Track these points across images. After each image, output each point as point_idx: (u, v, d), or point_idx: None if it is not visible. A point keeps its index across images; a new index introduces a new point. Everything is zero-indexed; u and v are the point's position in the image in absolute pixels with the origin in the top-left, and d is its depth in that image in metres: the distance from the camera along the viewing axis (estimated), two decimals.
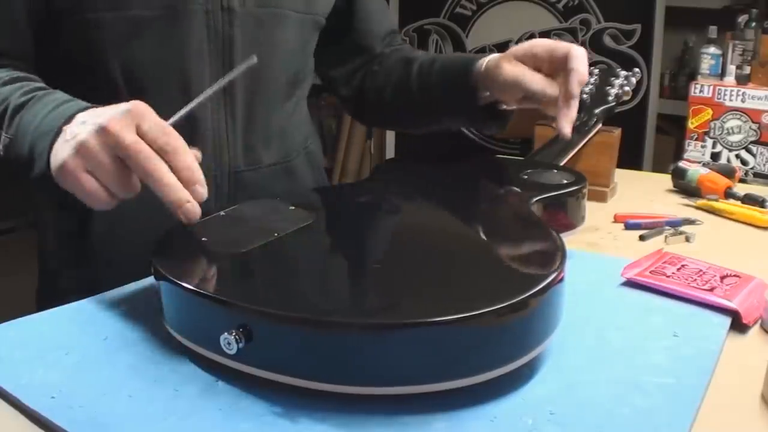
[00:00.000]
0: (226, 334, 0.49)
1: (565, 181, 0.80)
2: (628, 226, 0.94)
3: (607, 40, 2.46)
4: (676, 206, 1.06)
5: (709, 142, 1.71)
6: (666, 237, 0.89)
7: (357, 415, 0.48)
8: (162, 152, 0.59)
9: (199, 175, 0.60)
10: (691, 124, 1.73)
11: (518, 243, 0.66)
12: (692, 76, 2.26)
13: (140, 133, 0.60)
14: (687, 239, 0.89)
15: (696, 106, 1.72)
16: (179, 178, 0.60)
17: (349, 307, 0.54)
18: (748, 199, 1.04)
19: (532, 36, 2.52)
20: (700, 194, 1.08)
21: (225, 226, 0.66)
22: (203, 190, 0.61)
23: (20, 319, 0.62)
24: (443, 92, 0.92)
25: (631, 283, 0.72)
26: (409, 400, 0.49)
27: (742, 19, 2.00)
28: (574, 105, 0.79)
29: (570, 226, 0.79)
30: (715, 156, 1.72)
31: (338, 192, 0.89)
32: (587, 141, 1.02)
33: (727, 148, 1.70)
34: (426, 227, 0.72)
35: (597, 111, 0.97)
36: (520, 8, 2.54)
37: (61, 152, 0.62)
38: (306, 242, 0.64)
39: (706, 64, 2.01)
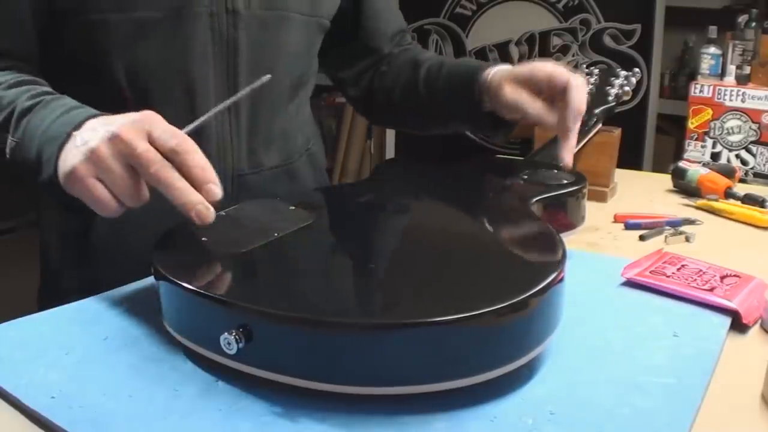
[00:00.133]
0: (226, 334, 0.49)
1: (565, 181, 0.80)
2: (628, 226, 0.94)
3: (607, 40, 2.45)
4: (676, 206, 1.06)
5: (709, 142, 1.71)
6: (666, 237, 0.89)
7: (357, 415, 0.48)
8: (173, 153, 0.59)
9: (211, 173, 0.60)
10: (691, 124, 1.73)
11: (518, 243, 0.66)
12: (692, 76, 2.26)
13: (151, 141, 0.60)
14: (687, 239, 0.89)
15: (696, 106, 1.72)
16: (192, 177, 0.59)
17: (350, 307, 0.54)
18: (748, 199, 1.04)
19: (532, 36, 2.53)
20: (700, 194, 1.08)
21: (225, 226, 0.65)
22: (217, 189, 0.60)
23: (20, 319, 0.62)
24: (449, 99, 0.92)
25: (631, 283, 0.72)
26: (409, 400, 0.49)
27: (742, 19, 2.00)
28: (573, 136, 0.81)
29: (570, 226, 0.79)
30: (715, 156, 1.72)
31: (338, 192, 0.89)
32: (587, 141, 1.02)
33: (727, 148, 1.70)
34: (426, 227, 0.72)
35: (597, 111, 0.97)
36: (520, 8, 2.54)
37: (71, 158, 0.62)
38: (306, 242, 0.64)
39: (706, 64, 2.01)
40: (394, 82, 1.00)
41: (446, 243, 0.66)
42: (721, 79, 1.89)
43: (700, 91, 1.71)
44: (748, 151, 1.69)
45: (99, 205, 0.61)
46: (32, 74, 0.77)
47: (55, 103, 0.69)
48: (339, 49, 0.99)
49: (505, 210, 0.74)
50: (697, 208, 1.04)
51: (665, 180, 1.17)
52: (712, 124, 1.70)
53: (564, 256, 0.57)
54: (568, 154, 0.81)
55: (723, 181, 1.09)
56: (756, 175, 1.69)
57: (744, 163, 1.69)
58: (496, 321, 0.49)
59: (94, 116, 0.65)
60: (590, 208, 0.83)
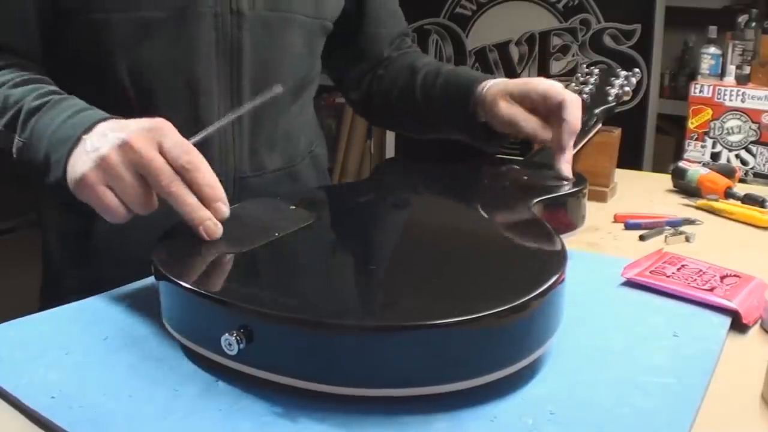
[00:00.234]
0: (227, 334, 0.49)
1: (565, 182, 0.80)
2: (628, 226, 0.94)
3: (607, 40, 2.45)
4: (676, 206, 1.06)
5: (709, 142, 1.71)
6: (666, 237, 0.89)
7: (357, 415, 0.48)
8: (183, 170, 0.60)
9: (220, 192, 0.61)
10: (691, 124, 1.73)
11: (519, 244, 0.66)
12: (692, 76, 2.26)
13: (162, 151, 0.60)
14: (687, 239, 0.89)
15: (696, 106, 1.72)
16: (201, 195, 0.60)
17: (351, 309, 0.54)
18: (748, 199, 1.04)
19: (532, 36, 2.53)
20: (700, 194, 1.08)
21: (226, 226, 0.65)
22: (225, 208, 0.61)
23: (20, 319, 0.62)
24: (444, 108, 0.93)
25: (631, 283, 0.72)
26: (409, 401, 0.49)
27: (742, 19, 2.00)
28: (569, 151, 0.82)
29: (570, 227, 0.79)
30: (715, 156, 1.72)
31: (338, 192, 0.89)
32: (587, 141, 1.02)
33: (727, 148, 1.70)
34: (426, 228, 0.71)
35: (597, 111, 0.97)
36: (520, 8, 2.53)
37: (81, 164, 0.62)
38: (307, 242, 0.64)
39: (706, 64, 2.01)
40: (392, 86, 1.00)
41: (446, 244, 0.66)
42: (721, 79, 1.89)
43: (700, 91, 1.71)
44: (748, 151, 1.69)
45: (108, 212, 0.62)
46: (38, 72, 0.76)
47: (63, 104, 0.69)
48: (339, 51, 0.99)
49: (505, 211, 0.74)
50: (697, 208, 1.04)
51: (665, 180, 1.17)
52: (712, 124, 1.70)
53: (565, 258, 0.57)
54: (566, 167, 0.82)
55: (723, 181, 1.09)
56: (756, 175, 1.69)
57: (744, 163, 1.69)
58: (498, 323, 0.49)
59: (104, 119, 0.65)
60: (590, 208, 0.83)
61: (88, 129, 0.64)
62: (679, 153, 1.98)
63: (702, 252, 0.82)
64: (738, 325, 0.64)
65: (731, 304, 0.65)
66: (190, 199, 0.59)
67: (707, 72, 2.00)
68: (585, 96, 1.01)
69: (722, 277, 0.72)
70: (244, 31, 0.81)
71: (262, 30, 0.83)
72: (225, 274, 0.59)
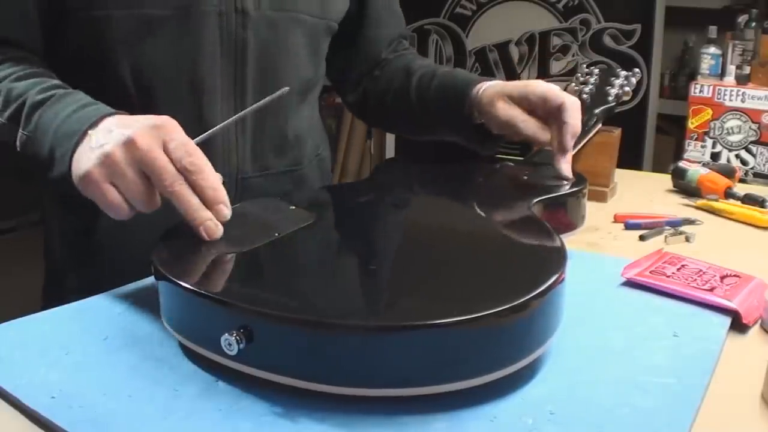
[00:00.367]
0: (226, 334, 0.49)
1: (565, 182, 0.80)
2: (628, 226, 0.94)
3: (607, 40, 2.45)
4: (676, 206, 1.06)
5: (709, 142, 1.71)
6: (666, 237, 0.89)
7: (357, 415, 0.48)
8: (186, 172, 0.60)
9: (222, 194, 0.61)
10: (691, 124, 1.73)
11: (519, 244, 0.66)
12: (692, 76, 2.26)
13: (166, 150, 0.60)
14: (687, 239, 0.89)
15: (696, 106, 1.72)
16: (204, 197, 0.60)
17: (351, 309, 0.53)
18: (748, 199, 1.04)
19: (532, 36, 2.53)
20: (700, 194, 1.08)
21: (226, 226, 0.65)
22: (227, 211, 0.61)
23: (20, 319, 0.62)
24: (439, 111, 0.92)
25: (631, 283, 0.72)
26: (409, 401, 0.49)
27: (742, 19, 2.00)
28: (569, 153, 0.82)
29: (570, 227, 0.79)
30: (715, 156, 1.72)
31: (338, 192, 0.89)
32: (587, 141, 1.02)
33: (727, 148, 1.70)
34: (426, 228, 0.71)
35: (597, 111, 0.97)
36: (520, 8, 2.54)
37: (86, 161, 0.62)
38: (307, 242, 0.64)
39: (706, 64, 2.01)
40: (387, 88, 1.00)
41: (446, 244, 0.66)
42: (721, 79, 1.89)
43: (700, 91, 1.71)
44: (748, 151, 1.69)
45: (111, 210, 0.62)
46: (41, 66, 0.76)
47: (68, 98, 0.69)
48: (338, 52, 0.99)
49: (505, 211, 0.74)
50: (697, 208, 1.04)
51: (665, 180, 1.17)
52: (712, 124, 1.70)
53: (564, 257, 0.57)
54: (566, 168, 0.82)
55: (723, 181, 1.09)
56: (756, 175, 1.69)
57: (744, 163, 1.69)
58: (497, 323, 0.49)
59: (110, 114, 0.65)
60: (590, 208, 0.83)
61: (93, 124, 0.64)
62: (679, 153, 1.98)
63: (702, 252, 0.82)
64: (738, 325, 0.64)
65: (731, 304, 0.65)
66: (192, 200, 0.60)
67: (707, 72, 2.00)
68: (585, 96, 1.01)
69: (722, 277, 0.72)
70: (248, 30, 0.81)
71: (267, 30, 0.82)
72: (225, 274, 0.59)
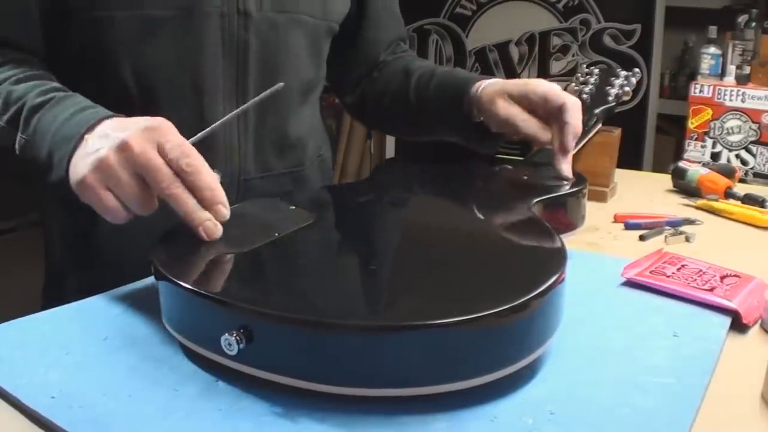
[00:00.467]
0: (226, 334, 0.49)
1: (565, 182, 0.80)
2: (628, 226, 0.94)
3: (607, 40, 2.46)
4: (676, 206, 1.06)
5: (709, 142, 1.71)
6: (666, 237, 0.89)
7: (357, 415, 0.48)
8: (183, 173, 0.59)
9: (220, 195, 0.61)
10: (691, 124, 1.73)
11: (519, 244, 0.66)
12: (692, 76, 2.26)
13: (162, 152, 0.59)
14: (687, 239, 0.89)
15: (696, 106, 1.72)
16: (201, 198, 0.60)
17: (351, 309, 0.53)
18: (748, 199, 1.04)
19: (532, 36, 2.53)
20: (700, 194, 1.08)
21: (225, 226, 0.65)
22: (225, 211, 0.61)
23: (20, 319, 0.62)
24: (438, 110, 0.92)
25: (631, 283, 0.72)
26: (409, 401, 0.49)
27: (742, 19, 2.00)
28: (570, 153, 0.82)
29: (570, 227, 0.79)
30: (715, 156, 1.72)
31: (338, 192, 0.89)
32: (587, 141, 1.02)
33: (727, 148, 1.71)
34: (426, 228, 0.71)
35: (597, 111, 0.97)
36: (520, 8, 2.54)
37: (81, 166, 0.62)
38: (307, 242, 0.64)
39: (706, 64, 2.01)
40: (385, 89, 0.99)
41: (446, 244, 0.66)
42: (721, 79, 1.89)
43: (700, 91, 1.71)
44: (748, 151, 1.69)
45: (108, 214, 0.62)
46: (41, 68, 0.76)
47: (67, 101, 0.69)
48: (337, 53, 0.99)
49: (505, 211, 0.74)
50: (697, 208, 1.04)
51: (665, 180, 1.17)
52: (712, 124, 1.70)
53: (565, 257, 0.57)
54: (566, 168, 0.82)
55: (723, 181, 1.09)
56: (756, 175, 1.69)
57: (744, 163, 1.69)
58: (497, 323, 0.49)
59: (107, 117, 0.65)
60: (590, 208, 0.83)
61: (91, 128, 0.64)
62: (679, 153, 1.98)
63: (702, 252, 0.82)
64: (738, 325, 0.64)
65: (731, 304, 0.65)
66: (190, 201, 0.59)
67: (707, 72, 2.00)
68: (585, 96, 1.01)
69: (722, 277, 0.72)
70: (250, 31, 0.81)
71: (269, 31, 0.82)
72: (225, 274, 0.59)
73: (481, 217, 0.73)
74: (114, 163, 0.59)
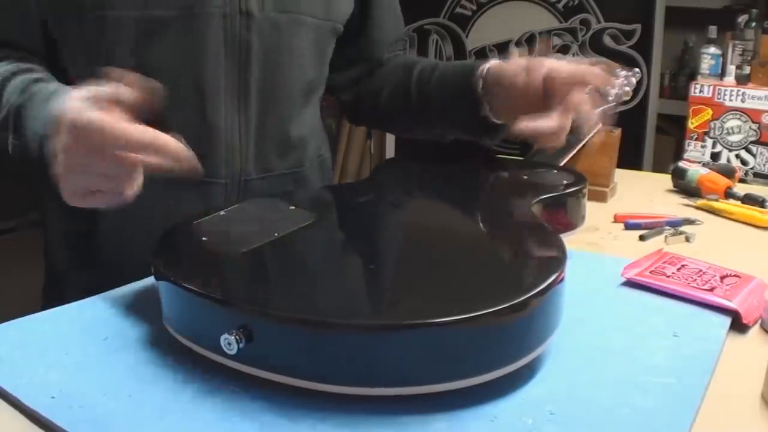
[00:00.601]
0: (226, 334, 0.49)
1: (565, 182, 0.80)
2: (628, 226, 0.94)
3: (607, 40, 2.46)
4: (676, 206, 1.06)
5: (709, 142, 1.72)
6: (666, 237, 0.90)
7: (357, 415, 0.48)
8: (143, 149, 0.57)
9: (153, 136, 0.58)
10: (691, 124, 1.73)
11: (519, 244, 0.66)
12: (692, 76, 2.26)
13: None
14: (687, 239, 0.89)
15: (696, 106, 1.72)
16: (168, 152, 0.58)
17: (350, 308, 0.54)
18: (748, 199, 1.04)
19: (532, 36, 2.53)
20: (700, 194, 1.08)
21: (225, 226, 0.66)
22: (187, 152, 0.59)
23: (20, 319, 0.62)
24: (442, 99, 0.91)
25: (631, 283, 0.72)
26: (409, 400, 0.49)
27: (742, 19, 2.00)
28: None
29: (570, 227, 0.79)
30: (715, 156, 1.72)
31: (338, 192, 0.89)
32: (587, 141, 1.02)
33: (727, 148, 1.71)
34: (426, 228, 0.71)
35: (597, 111, 0.97)
36: (520, 8, 2.54)
37: (54, 168, 0.61)
38: (306, 242, 0.64)
39: (706, 64, 2.01)
40: (383, 84, 0.99)
41: (446, 243, 0.66)
42: (721, 79, 1.89)
43: (700, 91, 1.71)
44: (748, 151, 1.69)
45: (104, 201, 0.61)
46: (33, 62, 0.76)
47: (40, 95, 0.67)
48: (338, 53, 0.99)
49: (505, 210, 0.74)
50: (697, 208, 1.04)
51: (665, 180, 1.17)
52: (712, 124, 1.70)
53: (564, 256, 0.57)
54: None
55: (723, 181, 1.09)
56: (756, 175, 1.69)
57: (744, 163, 1.69)
58: (497, 322, 0.49)
59: (63, 105, 0.61)
60: (590, 208, 0.83)
61: (53, 123, 0.61)
62: (679, 153, 1.98)
63: (702, 252, 0.82)
64: (738, 325, 0.64)
65: (731, 304, 0.65)
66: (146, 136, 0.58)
67: (707, 72, 2.00)
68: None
69: (722, 277, 0.72)
70: (252, 32, 0.80)
71: (271, 31, 0.82)
72: (225, 274, 0.59)
73: (481, 216, 0.73)
74: (73, 154, 0.58)
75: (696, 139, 1.73)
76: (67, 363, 0.55)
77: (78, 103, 0.58)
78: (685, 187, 1.12)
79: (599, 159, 1.06)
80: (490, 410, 0.49)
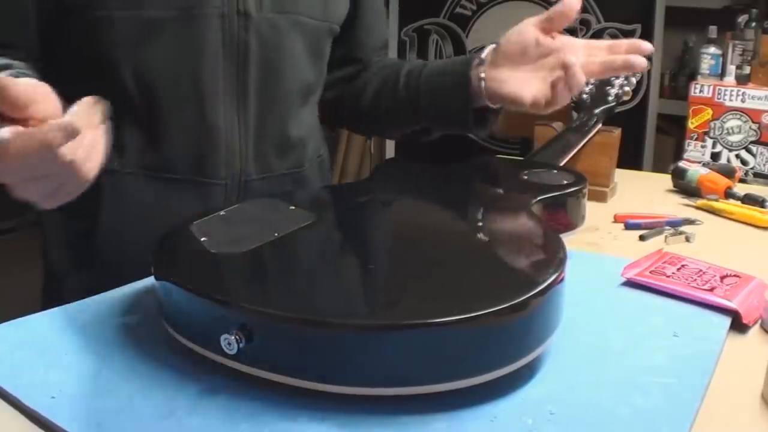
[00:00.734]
0: (226, 334, 0.49)
1: (565, 182, 0.80)
2: (628, 226, 0.94)
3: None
4: (676, 206, 1.06)
5: (709, 142, 1.72)
6: (666, 237, 0.90)
7: (357, 415, 0.48)
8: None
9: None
10: (691, 124, 1.73)
11: (518, 244, 0.66)
12: (692, 76, 2.26)
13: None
14: (687, 239, 0.89)
15: (696, 106, 1.72)
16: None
17: (350, 308, 0.54)
18: (748, 199, 1.04)
19: None
20: (700, 194, 1.08)
21: (225, 226, 0.66)
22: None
23: (20, 319, 0.62)
24: (433, 91, 0.90)
25: (631, 283, 0.72)
26: (409, 400, 0.49)
27: (742, 19, 2.00)
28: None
29: (570, 226, 0.79)
30: (715, 156, 1.72)
31: (338, 192, 0.89)
32: (587, 141, 1.02)
33: (727, 148, 1.71)
34: (426, 228, 0.71)
35: (597, 111, 0.97)
36: (520, 8, 2.54)
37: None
38: (306, 242, 0.64)
39: (706, 64, 2.01)
40: (367, 82, 0.98)
41: (446, 243, 0.66)
42: (721, 79, 1.89)
43: (700, 91, 1.71)
44: (748, 151, 1.69)
45: (50, 198, 0.59)
46: (24, 63, 0.75)
47: None
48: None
49: (505, 210, 0.74)
50: (697, 208, 1.04)
51: (665, 180, 1.17)
52: (712, 124, 1.70)
53: (564, 256, 0.57)
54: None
55: (723, 181, 1.09)
56: (756, 175, 1.69)
57: (744, 163, 1.69)
58: (497, 322, 0.49)
59: None
60: (590, 208, 0.83)
61: None
62: (679, 153, 1.98)
63: (702, 252, 0.82)
64: (738, 325, 0.64)
65: (731, 304, 0.65)
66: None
67: (707, 72, 2.00)
68: (585, 96, 1.01)
69: (722, 277, 0.72)
70: (250, 33, 0.80)
71: (269, 32, 0.82)
72: (224, 274, 0.59)
73: (481, 216, 0.73)
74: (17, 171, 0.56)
75: (696, 139, 1.73)
76: (67, 363, 0.55)
77: None
78: (685, 187, 1.12)
79: (599, 159, 1.06)
80: (490, 410, 0.49)
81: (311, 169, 0.95)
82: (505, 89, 0.82)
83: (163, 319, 0.57)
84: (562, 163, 0.92)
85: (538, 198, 0.74)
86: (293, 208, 0.71)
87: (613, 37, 2.44)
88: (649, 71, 2.41)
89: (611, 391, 0.52)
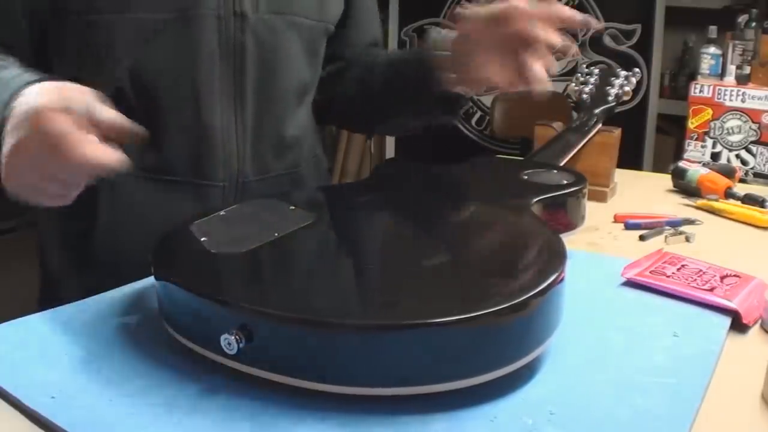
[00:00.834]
0: (226, 334, 0.49)
1: (565, 182, 0.80)
2: (628, 226, 0.94)
3: (607, 40, 2.46)
4: (676, 206, 1.06)
5: (709, 142, 1.72)
6: (666, 237, 0.90)
7: (357, 415, 0.48)
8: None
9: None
10: (691, 124, 1.73)
11: (518, 244, 0.66)
12: (692, 76, 2.26)
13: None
14: (687, 239, 0.89)
15: (696, 106, 1.72)
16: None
17: (350, 308, 0.54)
18: (748, 199, 1.04)
19: None
20: (700, 194, 1.08)
21: (225, 226, 0.66)
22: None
23: (20, 319, 0.62)
24: (403, 74, 0.91)
25: (631, 283, 0.72)
26: (409, 400, 0.49)
27: (742, 19, 2.00)
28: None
29: (570, 226, 0.79)
30: (715, 156, 1.72)
31: (338, 192, 0.89)
32: (587, 141, 1.02)
33: (727, 148, 1.71)
34: (426, 228, 0.71)
35: (597, 111, 0.97)
36: None
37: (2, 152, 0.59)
38: (306, 242, 0.64)
39: (706, 64, 2.01)
40: (351, 77, 0.99)
41: (446, 243, 0.66)
42: (721, 79, 1.89)
43: (700, 91, 1.71)
44: (748, 151, 1.69)
45: (42, 199, 0.60)
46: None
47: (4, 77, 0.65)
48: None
49: (505, 210, 0.74)
50: (697, 208, 1.04)
51: (665, 180, 1.17)
52: (712, 124, 1.70)
53: (564, 256, 0.57)
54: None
55: (723, 181, 1.09)
56: (756, 175, 1.69)
57: (744, 163, 1.69)
58: (497, 322, 0.49)
59: (34, 100, 0.59)
60: (590, 208, 0.83)
61: (9, 114, 0.59)
62: (679, 153, 1.98)
63: (702, 252, 0.82)
64: (738, 325, 0.64)
65: (731, 304, 0.65)
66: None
67: (707, 72, 2.00)
68: (585, 96, 1.01)
69: (722, 277, 0.72)
70: (247, 34, 0.81)
71: (266, 33, 0.82)
72: (224, 274, 0.59)
73: (481, 216, 0.73)
74: (26, 166, 0.57)
75: (696, 139, 1.73)
76: (67, 363, 0.55)
77: (50, 102, 0.56)
78: (685, 187, 1.12)
79: (599, 159, 1.06)
80: (490, 410, 0.49)
81: (308, 169, 0.95)
82: (466, 75, 0.81)
83: (163, 319, 0.57)
84: (562, 163, 0.92)
85: (538, 198, 0.74)
86: (293, 208, 0.71)
87: (613, 37, 2.44)
88: (649, 71, 2.41)
89: (611, 391, 0.52)
